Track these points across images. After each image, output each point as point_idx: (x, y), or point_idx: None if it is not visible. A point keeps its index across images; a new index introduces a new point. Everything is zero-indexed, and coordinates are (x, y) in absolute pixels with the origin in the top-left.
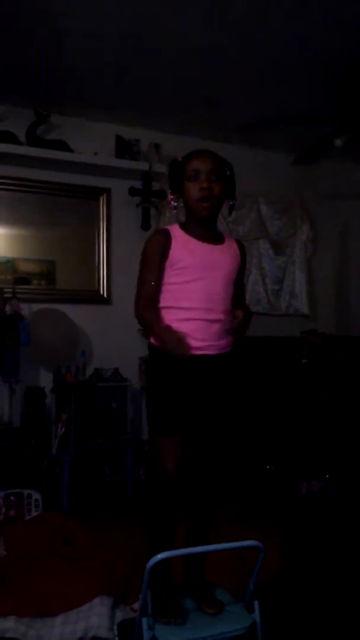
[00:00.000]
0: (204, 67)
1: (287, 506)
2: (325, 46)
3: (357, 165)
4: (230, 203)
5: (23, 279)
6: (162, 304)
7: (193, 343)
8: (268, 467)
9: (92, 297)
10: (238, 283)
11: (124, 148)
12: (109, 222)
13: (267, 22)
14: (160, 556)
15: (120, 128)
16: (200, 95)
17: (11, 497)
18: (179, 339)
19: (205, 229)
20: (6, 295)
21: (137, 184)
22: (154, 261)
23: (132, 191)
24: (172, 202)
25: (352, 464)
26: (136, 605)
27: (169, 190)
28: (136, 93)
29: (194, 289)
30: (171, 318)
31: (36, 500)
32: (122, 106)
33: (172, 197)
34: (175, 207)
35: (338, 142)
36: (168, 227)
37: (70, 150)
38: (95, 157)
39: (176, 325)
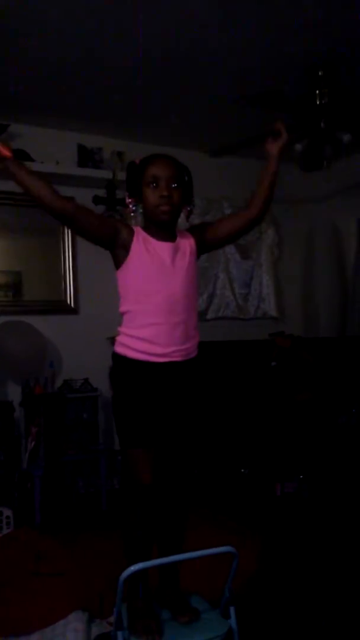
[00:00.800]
0: (162, 75)
1: (262, 508)
2: (286, 51)
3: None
4: (188, 209)
5: None
6: (123, 308)
7: (158, 350)
8: (242, 470)
9: (60, 308)
10: (216, 222)
11: (86, 156)
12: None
13: (224, 27)
14: (133, 568)
15: (82, 136)
16: (161, 103)
17: None
18: None
19: (163, 234)
20: None
21: (101, 193)
22: (104, 218)
23: (96, 200)
24: (131, 206)
25: (323, 463)
26: (112, 619)
27: (127, 194)
28: (97, 101)
29: (153, 292)
30: (134, 324)
31: (7, 517)
32: (83, 115)
33: (129, 200)
34: (134, 212)
35: (298, 147)
36: (132, 226)
37: (32, 160)
38: (57, 166)
39: (139, 332)
